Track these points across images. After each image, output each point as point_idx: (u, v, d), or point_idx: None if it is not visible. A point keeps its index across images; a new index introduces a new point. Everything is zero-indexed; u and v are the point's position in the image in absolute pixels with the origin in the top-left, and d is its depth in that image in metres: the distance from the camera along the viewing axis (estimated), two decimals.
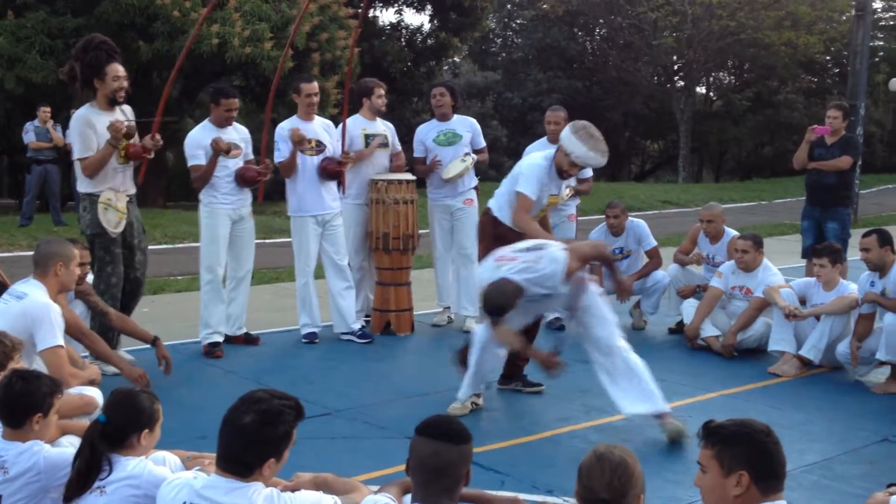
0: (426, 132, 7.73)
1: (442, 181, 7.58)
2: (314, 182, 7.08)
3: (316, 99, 7.19)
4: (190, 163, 6.71)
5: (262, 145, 6.89)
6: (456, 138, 7.65)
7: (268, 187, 7.60)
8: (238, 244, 6.89)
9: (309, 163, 7.07)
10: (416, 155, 7.80)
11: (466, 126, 7.76)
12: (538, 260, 5.11)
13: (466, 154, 7.60)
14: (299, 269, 7.19)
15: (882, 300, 6.19)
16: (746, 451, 2.59)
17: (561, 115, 7.71)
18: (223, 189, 6.71)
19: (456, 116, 7.76)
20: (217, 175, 6.67)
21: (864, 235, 6.32)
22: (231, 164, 6.73)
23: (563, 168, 5.75)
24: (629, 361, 5.20)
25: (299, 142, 6.93)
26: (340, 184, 7.24)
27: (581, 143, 5.58)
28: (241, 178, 6.75)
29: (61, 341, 4.34)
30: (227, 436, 2.76)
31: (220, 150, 6.56)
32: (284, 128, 7.08)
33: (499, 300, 4.98)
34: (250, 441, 2.72)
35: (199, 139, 6.69)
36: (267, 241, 12.73)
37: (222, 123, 6.76)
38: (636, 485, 2.58)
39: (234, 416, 2.75)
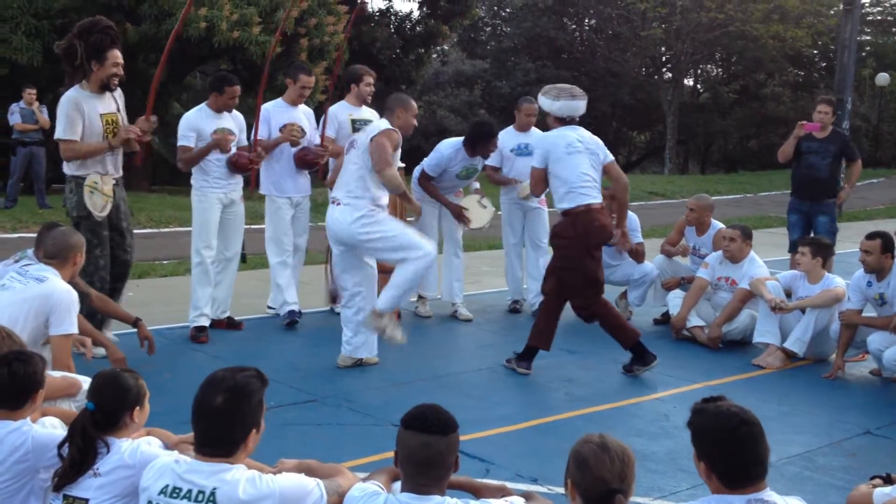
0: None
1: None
2: (291, 166, 7.21)
3: (307, 92, 7.32)
4: (180, 142, 6.73)
5: (255, 133, 6.85)
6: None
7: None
8: (227, 228, 6.91)
9: (286, 147, 7.16)
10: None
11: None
12: None
13: None
14: (278, 250, 7.27)
15: (869, 320, 6.27)
16: (707, 444, 2.62)
17: (535, 108, 7.79)
18: (214, 173, 6.73)
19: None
20: (208, 159, 6.69)
21: (868, 238, 6.26)
22: None
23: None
24: None
25: (289, 135, 7.05)
26: (318, 173, 7.45)
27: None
28: (234, 165, 6.77)
29: (76, 330, 4.36)
30: (204, 422, 2.77)
31: (220, 148, 6.66)
32: (269, 110, 7.19)
33: None
34: (230, 420, 2.74)
35: (194, 121, 6.72)
36: (252, 226, 12.68)
37: (221, 110, 6.80)
38: (635, 472, 2.58)
39: (205, 401, 2.76)
